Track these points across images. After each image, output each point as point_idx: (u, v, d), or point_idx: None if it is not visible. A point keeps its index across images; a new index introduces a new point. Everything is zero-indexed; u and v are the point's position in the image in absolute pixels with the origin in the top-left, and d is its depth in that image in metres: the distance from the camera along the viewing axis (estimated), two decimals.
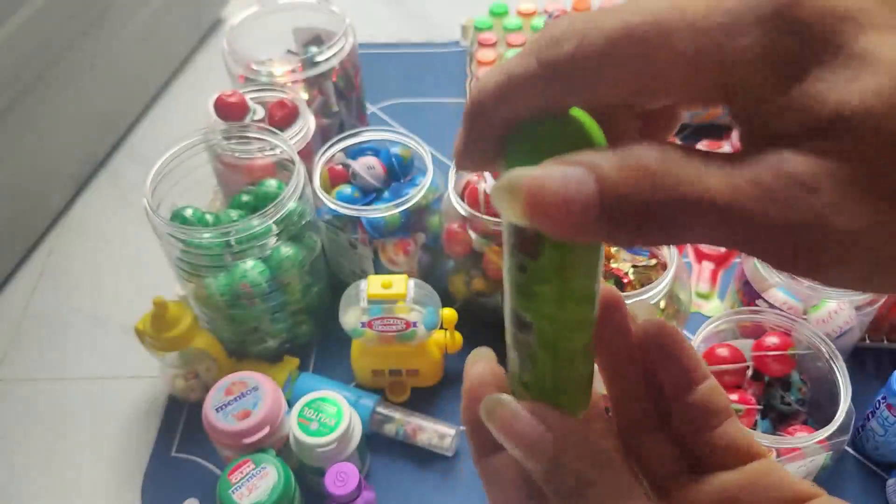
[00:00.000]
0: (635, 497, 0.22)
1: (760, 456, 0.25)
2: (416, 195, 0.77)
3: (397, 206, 0.76)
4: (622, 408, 0.27)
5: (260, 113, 0.84)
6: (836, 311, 0.70)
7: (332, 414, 0.68)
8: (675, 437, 0.26)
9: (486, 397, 0.23)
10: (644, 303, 0.66)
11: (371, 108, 1.11)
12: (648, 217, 0.17)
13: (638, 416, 0.27)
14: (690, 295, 0.73)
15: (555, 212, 0.18)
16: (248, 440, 0.66)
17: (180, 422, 0.80)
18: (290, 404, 0.73)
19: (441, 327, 0.76)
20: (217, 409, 0.67)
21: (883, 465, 0.72)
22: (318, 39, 0.97)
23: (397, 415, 0.75)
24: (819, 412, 0.67)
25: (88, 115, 1.04)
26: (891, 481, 0.69)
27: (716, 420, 0.26)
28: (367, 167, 0.81)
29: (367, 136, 0.84)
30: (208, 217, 0.77)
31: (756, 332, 0.70)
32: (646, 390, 0.27)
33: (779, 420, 0.68)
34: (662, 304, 0.70)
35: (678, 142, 0.23)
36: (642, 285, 0.69)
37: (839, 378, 0.65)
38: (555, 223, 0.18)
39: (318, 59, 0.88)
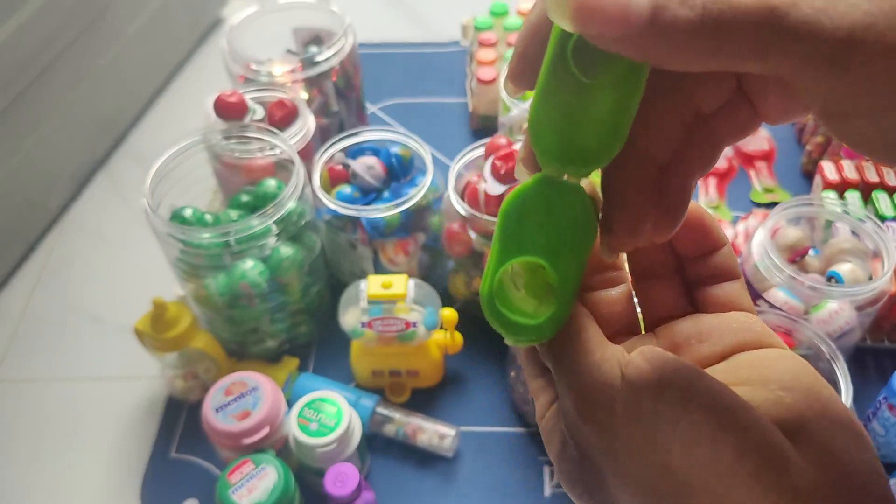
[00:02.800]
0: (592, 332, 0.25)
1: (747, 311, 0.28)
2: (416, 195, 0.77)
3: (397, 206, 0.76)
4: (638, 254, 0.29)
5: (259, 113, 0.84)
6: (836, 311, 0.70)
7: (331, 414, 0.68)
8: (683, 288, 0.29)
9: None
10: None
11: (371, 108, 1.11)
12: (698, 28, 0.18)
13: (651, 263, 0.29)
14: None
15: (604, 17, 0.19)
16: (247, 441, 0.66)
17: (180, 422, 0.80)
18: (290, 405, 0.73)
19: (441, 327, 0.75)
20: (217, 410, 0.67)
21: (885, 465, 0.72)
22: (317, 39, 0.97)
23: (397, 415, 0.75)
24: None
25: (88, 115, 1.04)
26: (892, 482, 0.69)
27: (721, 279, 0.28)
28: (367, 167, 0.81)
29: (367, 135, 0.84)
30: (208, 217, 0.76)
31: None
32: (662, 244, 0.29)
33: None
34: None
35: None
36: None
37: (840, 378, 0.64)
38: (604, 30, 0.19)
39: (318, 58, 0.88)
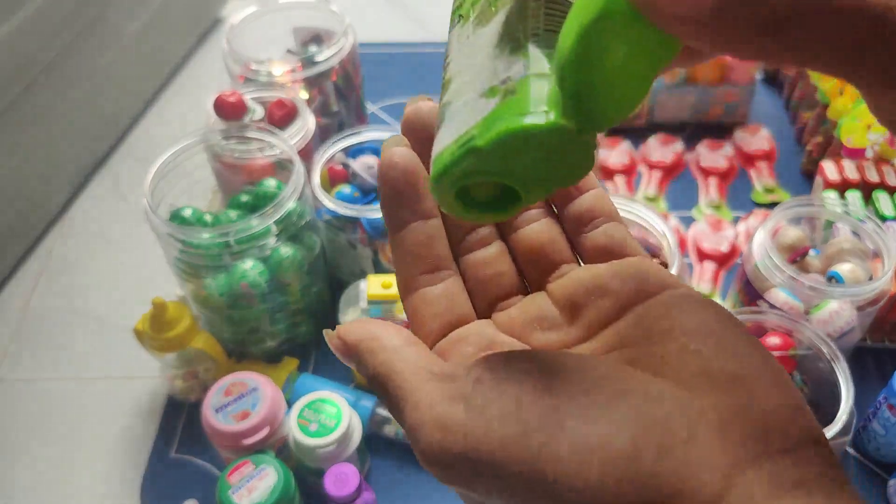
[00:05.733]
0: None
1: (636, 255, 0.26)
2: None
3: None
4: None
5: (259, 113, 0.84)
6: (837, 311, 0.70)
7: (331, 415, 0.68)
8: (562, 233, 0.27)
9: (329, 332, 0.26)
10: None
11: (371, 108, 1.11)
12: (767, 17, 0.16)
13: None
14: None
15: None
16: (247, 441, 0.66)
17: (179, 422, 0.80)
18: (290, 405, 0.73)
19: None
20: (216, 410, 0.67)
21: (884, 465, 0.72)
22: (317, 39, 0.97)
23: None
24: (820, 413, 0.67)
25: (88, 115, 1.04)
26: (892, 482, 0.69)
27: (598, 221, 0.27)
28: (367, 167, 0.81)
29: (367, 135, 0.84)
30: (207, 217, 0.76)
31: (757, 332, 0.70)
32: None
33: None
34: None
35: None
36: None
37: (840, 378, 0.64)
38: (664, 14, 0.16)
39: (318, 58, 0.88)
